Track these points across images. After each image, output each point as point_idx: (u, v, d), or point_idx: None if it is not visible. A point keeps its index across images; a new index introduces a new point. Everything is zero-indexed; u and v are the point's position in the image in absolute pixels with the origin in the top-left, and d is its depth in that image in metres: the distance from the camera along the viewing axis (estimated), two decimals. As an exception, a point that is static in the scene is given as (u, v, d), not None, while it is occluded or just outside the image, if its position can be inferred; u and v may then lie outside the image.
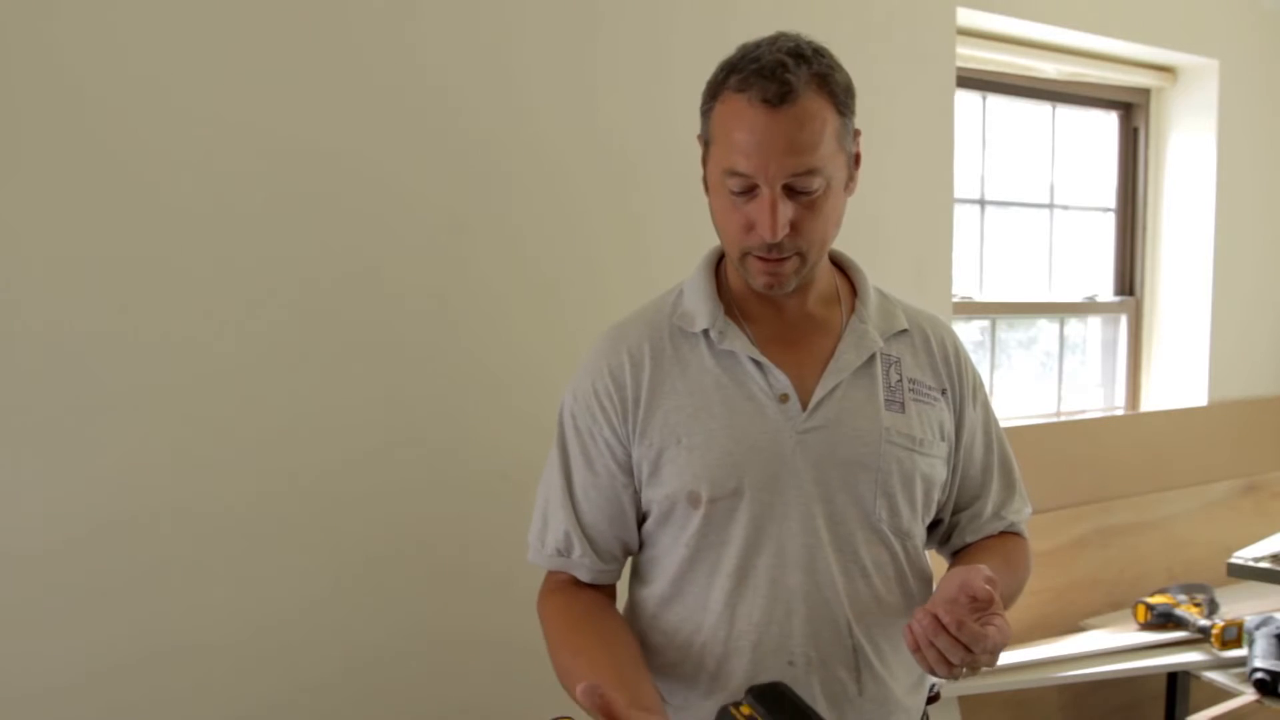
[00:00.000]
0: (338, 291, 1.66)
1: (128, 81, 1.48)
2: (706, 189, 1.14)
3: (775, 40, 1.07)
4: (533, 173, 1.83)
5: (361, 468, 1.68)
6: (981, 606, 1.00)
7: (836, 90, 1.06)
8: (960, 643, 0.97)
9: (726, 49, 1.11)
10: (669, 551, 1.16)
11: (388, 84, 1.68)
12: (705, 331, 1.15)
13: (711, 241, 1.19)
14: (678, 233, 1.95)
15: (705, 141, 1.12)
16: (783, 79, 1.02)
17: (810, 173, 1.04)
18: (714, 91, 1.09)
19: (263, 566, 1.61)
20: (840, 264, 1.24)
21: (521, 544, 1.26)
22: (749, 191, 1.06)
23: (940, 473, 1.19)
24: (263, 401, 1.60)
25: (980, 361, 2.83)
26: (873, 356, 1.16)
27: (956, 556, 1.28)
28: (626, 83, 1.92)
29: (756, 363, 1.13)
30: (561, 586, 1.20)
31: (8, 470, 1.42)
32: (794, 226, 1.06)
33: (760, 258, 1.09)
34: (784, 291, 1.13)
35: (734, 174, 1.05)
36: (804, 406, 1.13)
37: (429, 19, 1.71)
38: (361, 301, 1.68)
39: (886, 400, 1.15)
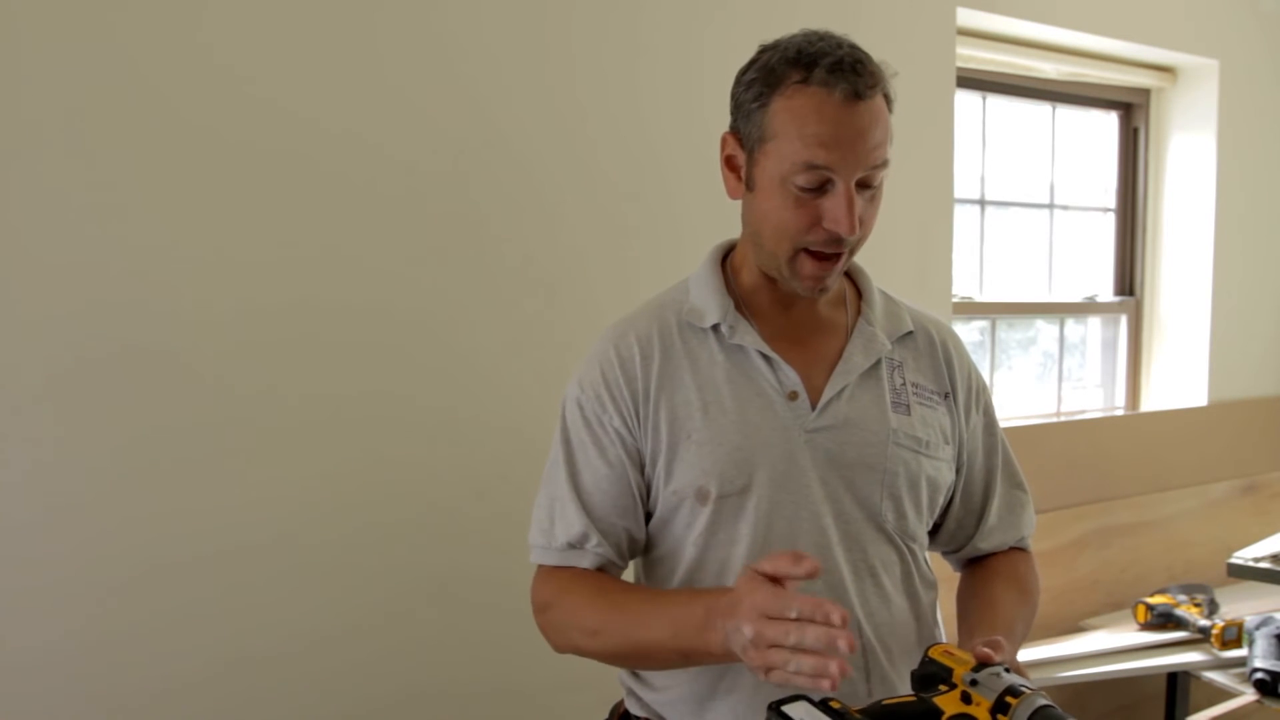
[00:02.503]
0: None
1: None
2: (748, 187, 1.11)
3: (824, 36, 1.07)
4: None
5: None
6: None
7: (889, 88, 1.08)
8: None
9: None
10: (675, 551, 1.14)
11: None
12: (715, 326, 1.14)
13: (690, 245, 1.17)
14: (669, 237, 1.95)
15: (756, 139, 1.08)
16: (867, 74, 1.04)
17: (883, 165, 1.06)
18: (772, 86, 1.06)
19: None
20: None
21: None
22: (820, 186, 1.05)
23: (946, 476, 1.19)
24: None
25: (980, 361, 2.83)
26: (879, 359, 1.16)
27: (969, 568, 1.27)
28: (612, 89, 1.93)
29: (766, 359, 1.13)
30: (561, 571, 1.16)
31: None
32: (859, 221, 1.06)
33: (815, 254, 1.08)
34: (824, 295, 1.13)
35: (812, 167, 1.03)
36: (812, 406, 1.12)
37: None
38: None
39: (892, 402, 1.15)
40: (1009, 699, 0.88)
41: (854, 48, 1.06)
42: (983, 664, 0.93)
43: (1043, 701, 0.88)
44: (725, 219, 1.30)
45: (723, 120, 1.14)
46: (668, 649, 1.04)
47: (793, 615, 0.89)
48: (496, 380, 1.81)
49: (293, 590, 1.64)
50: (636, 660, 1.13)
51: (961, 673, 0.93)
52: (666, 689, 1.15)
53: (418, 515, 1.74)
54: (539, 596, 1.17)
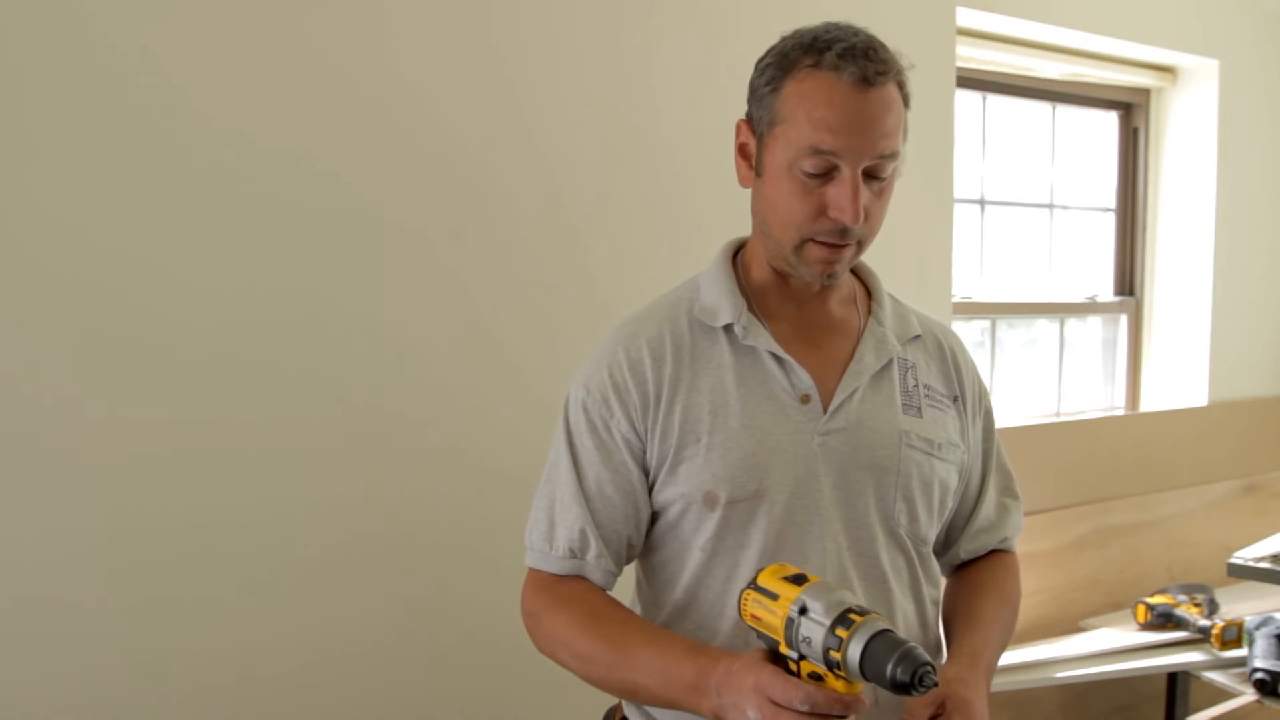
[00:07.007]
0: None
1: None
2: (757, 173, 1.10)
3: (841, 25, 1.05)
4: (527, 177, 1.83)
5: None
6: None
7: (905, 82, 1.07)
8: None
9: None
10: (681, 555, 1.12)
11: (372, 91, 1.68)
12: (727, 326, 1.12)
13: (700, 240, 1.17)
14: (682, 234, 1.95)
15: (766, 123, 1.07)
16: (879, 60, 1.02)
17: (891, 156, 1.04)
18: (785, 70, 1.05)
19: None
20: (854, 268, 1.22)
21: None
22: (826, 173, 1.04)
23: (954, 479, 1.18)
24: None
25: (980, 361, 2.82)
26: (890, 360, 1.15)
27: (954, 575, 1.27)
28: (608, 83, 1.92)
29: (779, 360, 1.11)
30: (558, 580, 1.13)
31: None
32: (864, 212, 1.04)
33: (823, 243, 1.06)
34: (833, 283, 1.11)
35: (817, 152, 1.02)
36: (825, 408, 1.11)
37: (412, 20, 1.71)
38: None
39: (904, 404, 1.14)
40: (848, 620, 0.86)
41: (870, 37, 1.05)
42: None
43: (883, 625, 0.87)
44: (699, 239, 1.31)
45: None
46: (655, 695, 1.04)
47: (803, 708, 0.88)
48: (472, 398, 1.78)
49: (284, 615, 1.63)
50: (622, 694, 1.11)
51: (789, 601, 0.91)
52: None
53: (407, 535, 1.72)
54: (531, 604, 1.14)
